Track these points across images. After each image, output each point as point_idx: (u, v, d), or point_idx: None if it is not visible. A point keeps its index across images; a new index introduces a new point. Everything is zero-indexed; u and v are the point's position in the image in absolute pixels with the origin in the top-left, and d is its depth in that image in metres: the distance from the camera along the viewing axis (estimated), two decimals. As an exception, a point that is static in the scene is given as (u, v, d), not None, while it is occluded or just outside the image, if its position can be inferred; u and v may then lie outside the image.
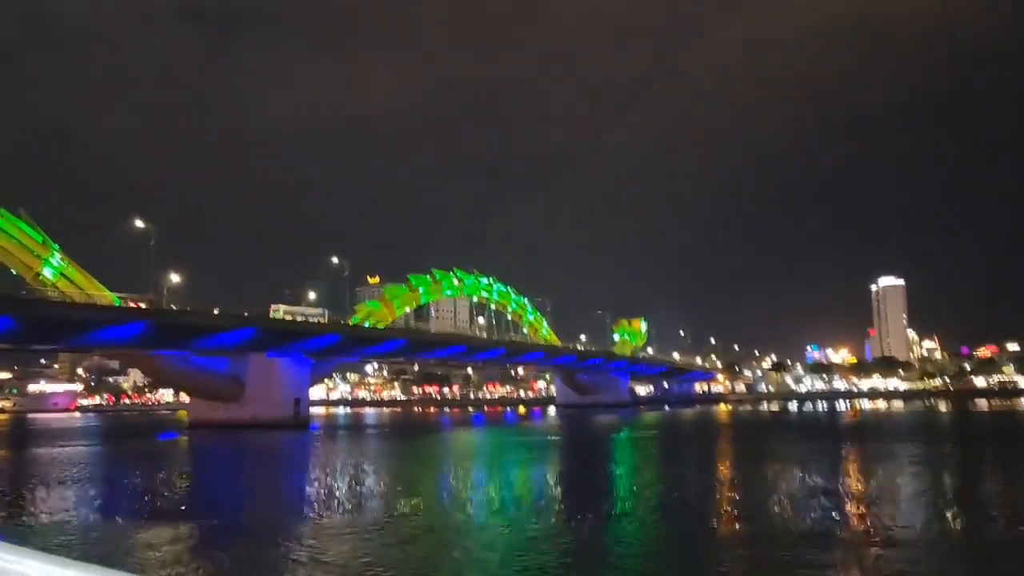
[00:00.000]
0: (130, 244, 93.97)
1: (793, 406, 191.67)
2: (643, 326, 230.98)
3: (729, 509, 29.96)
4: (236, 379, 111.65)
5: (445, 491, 37.83)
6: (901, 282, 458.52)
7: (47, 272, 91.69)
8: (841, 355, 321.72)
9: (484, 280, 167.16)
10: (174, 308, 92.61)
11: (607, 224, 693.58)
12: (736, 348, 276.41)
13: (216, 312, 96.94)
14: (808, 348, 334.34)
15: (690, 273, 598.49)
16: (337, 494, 36.96)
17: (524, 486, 39.90)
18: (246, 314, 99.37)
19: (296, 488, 40.94)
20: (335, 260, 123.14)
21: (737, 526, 26.29)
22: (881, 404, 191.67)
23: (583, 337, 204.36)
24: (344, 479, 43.44)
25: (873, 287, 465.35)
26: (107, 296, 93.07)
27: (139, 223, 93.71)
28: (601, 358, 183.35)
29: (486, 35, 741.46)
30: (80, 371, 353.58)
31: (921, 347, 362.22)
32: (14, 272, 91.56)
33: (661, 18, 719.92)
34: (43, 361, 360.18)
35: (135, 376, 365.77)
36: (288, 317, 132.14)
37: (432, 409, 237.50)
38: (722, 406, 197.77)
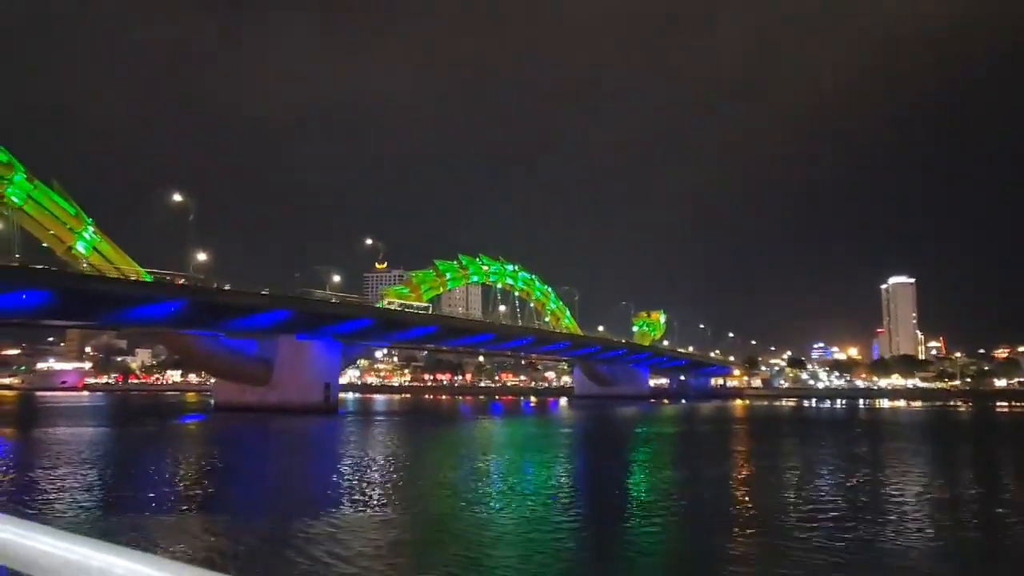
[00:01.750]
0: (168, 218, 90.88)
1: (812, 403, 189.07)
2: (662, 318, 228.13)
3: (786, 519, 26.94)
4: (265, 361, 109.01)
5: (490, 486, 35.10)
6: (911, 281, 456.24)
7: (80, 246, 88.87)
8: (849, 355, 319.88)
9: (509, 267, 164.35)
10: (215, 286, 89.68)
11: (616, 215, 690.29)
12: (753, 343, 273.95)
13: (256, 292, 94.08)
14: (815, 347, 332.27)
15: (700, 270, 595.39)
16: (376, 486, 34.56)
17: (565, 484, 37.08)
18: (289, 295, 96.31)
19: (336, 478, 37.86)
20: (368, 241, 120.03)
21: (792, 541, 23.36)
22: (901, 404, 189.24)
23: (601, 328, 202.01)
24: (383, 470, 40.95)
25: (883, 286, 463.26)
26: (139, 272, 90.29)
27: (177, 196, 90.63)
28: (624, 348, 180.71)
29: (492, 22, 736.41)
30: (88, 349, 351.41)
31: (927, 348, 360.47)
32: (44, 244, 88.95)
33: (671, 8, 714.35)
34: (51, 339, 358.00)
35: (143, 356, 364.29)
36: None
37: (444, 396, 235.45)
38: (738, 401, 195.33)
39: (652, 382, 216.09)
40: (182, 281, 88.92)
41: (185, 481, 36.69)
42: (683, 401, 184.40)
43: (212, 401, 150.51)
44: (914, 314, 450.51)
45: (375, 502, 29.49)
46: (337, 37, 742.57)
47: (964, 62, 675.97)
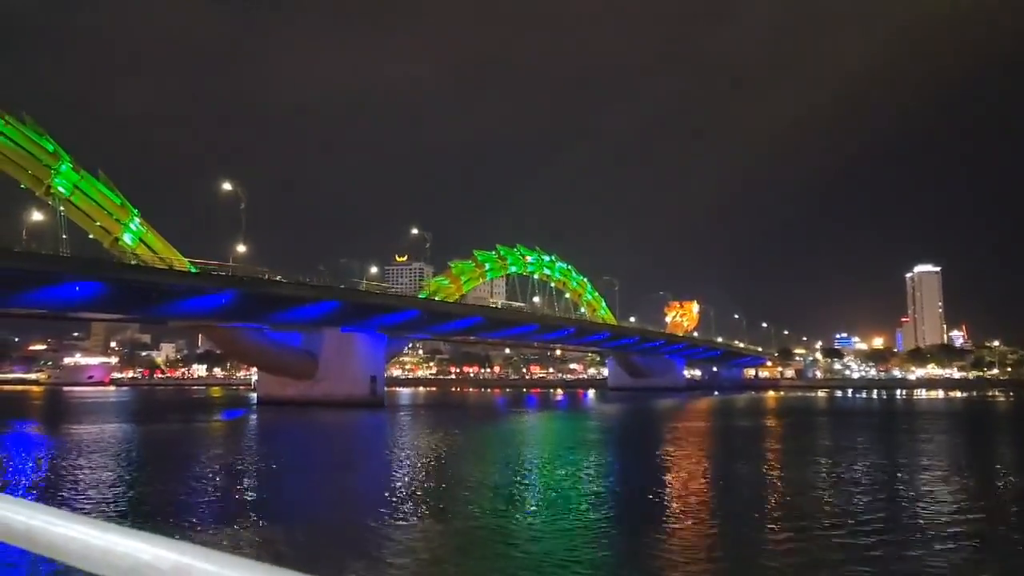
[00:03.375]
0: (218, 206, 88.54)
1: (850, 395, 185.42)
2: (695, 308, 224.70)
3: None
4: (310, 354, 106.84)
5: (571, 491, 31.89)
6: (937, 270, 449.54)
7: (127, 237, 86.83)
8: (873, 344, 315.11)
9: (547, 257, 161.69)
10: (266, 277, 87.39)
11: (644, 203, 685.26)
12: (786, 333, 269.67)
13: (306, 283, 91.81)
14: (837, 336, 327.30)
15: (726, 259, 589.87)
16: (441, 488, 31.91)
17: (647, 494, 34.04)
18: (338, 286, 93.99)
19: (407, 480, 34.95)
20: (415, 231, 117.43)
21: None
22: (939, 394, 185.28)
23: (632, 319, 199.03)
24: (444, 469, 38.43)
25: (908, 275, 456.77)
26: (183, 263, 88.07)
27: (227, 185, 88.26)
28: (663, 340, 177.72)
29: (510, 11, 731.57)
30: (113, 344, 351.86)
31: (950, 338, 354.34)
32: (91, 236, 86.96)
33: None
34: (76, 334, 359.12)
35: (167, 350, 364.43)
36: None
37: (471, 389, 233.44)
38: (771, 392, 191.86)
39: (687, 373, 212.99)
40: (229, 273, 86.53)
41: (248, 483, 34.26)
42: (715, 393, 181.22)
43: (251, 395, 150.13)
44: (940, 303, 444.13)
45: (454, 507, 26.84)
46: (361, 28, 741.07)
47: (994, 46, 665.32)
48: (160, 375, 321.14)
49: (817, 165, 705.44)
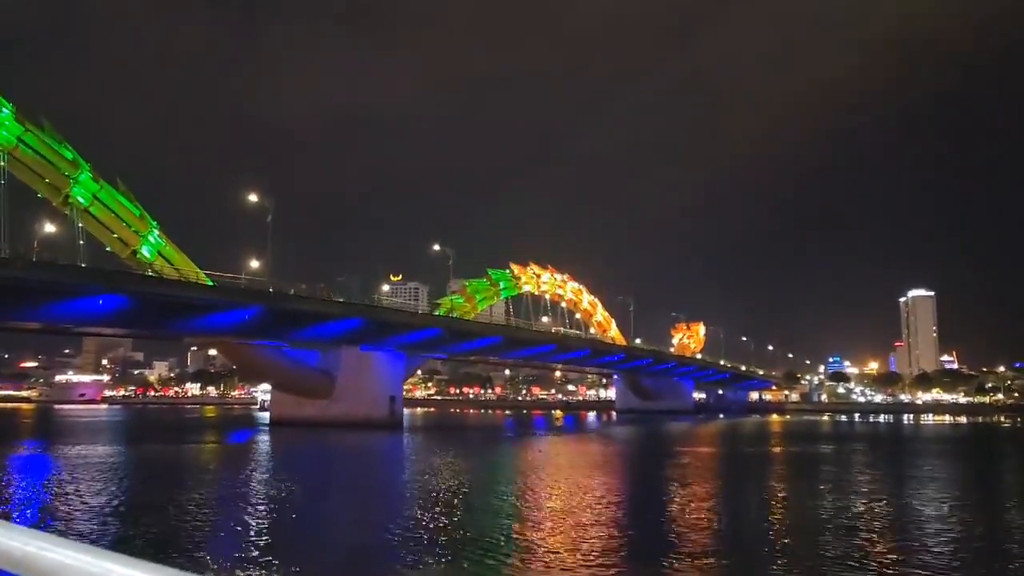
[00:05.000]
0: (244, 218, 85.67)
1: (857, 419, 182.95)
2: (702, 330, 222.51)
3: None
4: (327, 373, 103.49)
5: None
6: (931, 294, 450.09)
7: (145, 250, 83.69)
8: (870, 367, 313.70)
9: (558, 276, 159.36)
10: (292, 292, 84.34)
11: (628, 225, 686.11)
12: (790, 356, 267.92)
13: (331, 299, 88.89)
14: (829, 360, 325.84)
15: (716, 282, 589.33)
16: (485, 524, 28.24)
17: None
18: (361, 303, 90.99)
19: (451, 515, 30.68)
20: (436, 247, 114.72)
21: None
22: (946, 419, 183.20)
23: (638, 340, 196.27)
24: (483, 502, 34.52)
25: (902, 299, 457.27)
26: (201, 277, 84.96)
27: (253, 197, 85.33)
28: (674, 361, 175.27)
29: (501, 34, 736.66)
30: (105, 362, 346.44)
31: (942, 362, 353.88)
32: (108, 248, 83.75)
33: (683, 18, 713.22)
34: (67, 351, 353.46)
35: (160, 368, 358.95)
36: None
37: (471, 410, 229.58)
38: (775, 416, 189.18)
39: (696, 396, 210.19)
40: (244, 287, 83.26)
41: (270, 514, 30.31)
42: (721, 416, 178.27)
43: (261, 415, 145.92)
44: (934, 328, 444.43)
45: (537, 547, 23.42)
46: (349, 49, 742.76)
47: (988, 71, 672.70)
48: (153, 393, 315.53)
49: (810, 189, 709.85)
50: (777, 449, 76.54)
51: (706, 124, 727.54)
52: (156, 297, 69.13)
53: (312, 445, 73.74)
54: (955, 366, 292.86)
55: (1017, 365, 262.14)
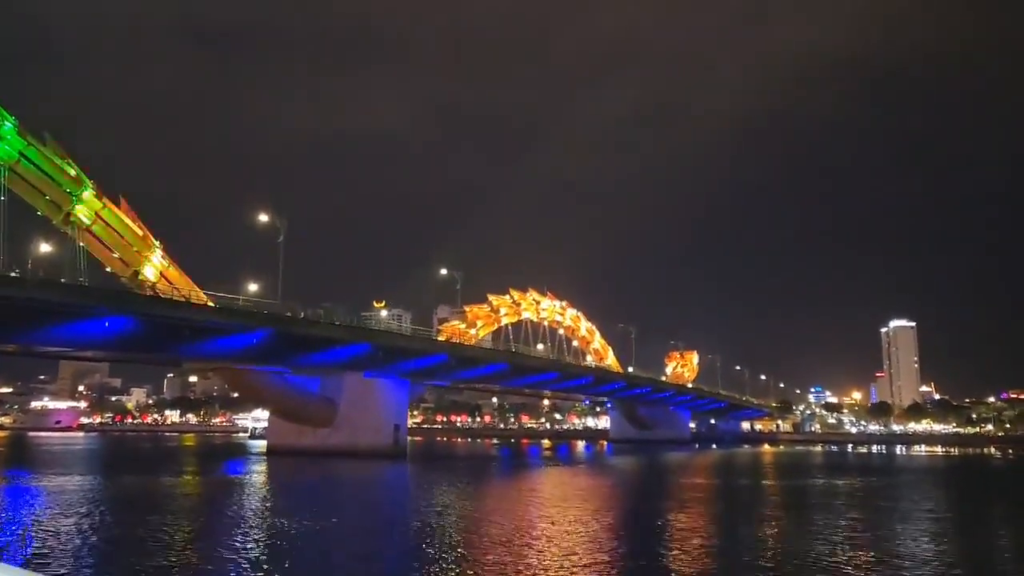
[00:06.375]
0: (256, 238, 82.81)
1: (852, 449, 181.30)
2: (695, 359, 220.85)
3: None
4: (329, 400, 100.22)
5: None
6: (912, 325, 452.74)
7: (147, 271, 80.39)
8: (852, 398, 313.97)
9: (558, 303, 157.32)
10: (303, 315, 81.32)
11: (618, 255, 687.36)
12: (782, 386, 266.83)
13: (341, 324, 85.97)
14: (811, 391, 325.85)
15: (709, 310, 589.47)
16: None
17: None
18: (370, 328, 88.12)
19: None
20: (443, 271, 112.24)
21: None
22: (939, 450, 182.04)
23: (630, 369, 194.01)
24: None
25: (883, 330, 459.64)
26: (203, 299, 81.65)
27: (264, 217, 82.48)
28: (672, 390, 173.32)
29: (480, 63, 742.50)
30: (81, 388, 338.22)
31: (922, 393, 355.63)
32: (108, 269, 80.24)
33: (660, 53, 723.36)
34: (42, 377, 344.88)
35: (138, 395, 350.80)
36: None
37: (459, 439, 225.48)
38: (766, 446, 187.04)
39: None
40: (253, 309, 79.89)
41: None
42: (714, 447, 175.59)
43: (253, 443, 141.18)
44: (915, 358, 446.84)
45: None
46: (323, 78, 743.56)
47: (967, 105, 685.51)
48: (132, 420, 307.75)
49: (792, 218, 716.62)
50: (784, 482, 73.43)
51: (681, 155, 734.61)
52: (164, 319, 66.01)
53: (316, 476, 70.10)
54: (936, 396, 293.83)
55: (1004, 396, 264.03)
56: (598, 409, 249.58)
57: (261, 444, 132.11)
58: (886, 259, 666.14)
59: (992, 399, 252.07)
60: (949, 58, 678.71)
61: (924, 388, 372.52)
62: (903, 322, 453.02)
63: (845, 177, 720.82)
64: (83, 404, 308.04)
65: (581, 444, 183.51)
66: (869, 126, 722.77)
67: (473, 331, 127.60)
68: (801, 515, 43.27)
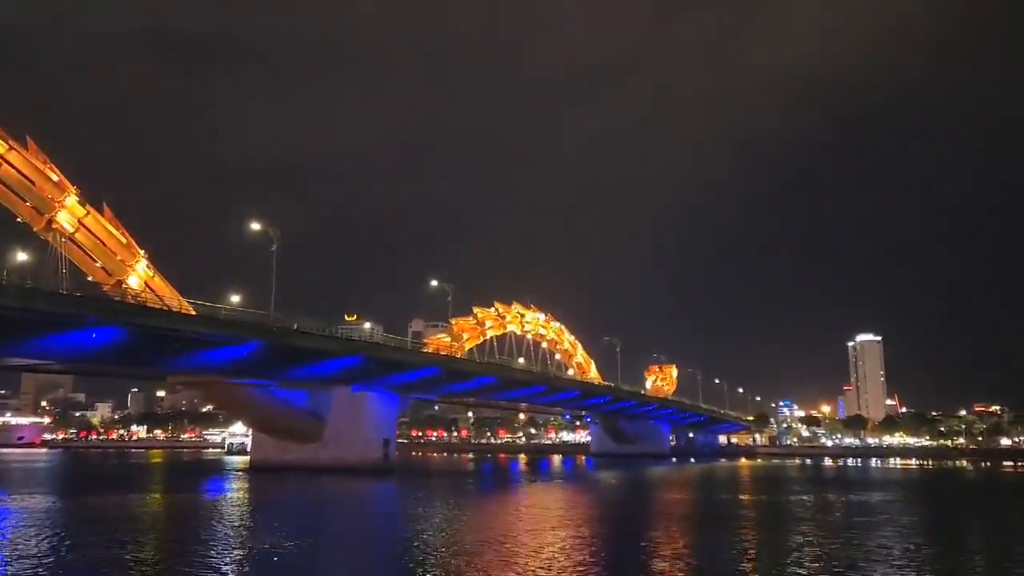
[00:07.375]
0: (248, 247, 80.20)
1: (829, 462, 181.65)
2: (674, 372, 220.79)
3: None
4: (316, 415, 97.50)
5: None
6: (879, 339, 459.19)
7: (132, 281, 77.45)
8: (821, 411, 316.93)
9: (541, 316, 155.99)
10: (295, 327, 78.79)
11: (591, 267, 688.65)
12: (758, 399, 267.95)
13: (335, 336, 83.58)
14: (781, 404, 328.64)
15: (683, 322, 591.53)
16: None
17: None
18: (364, 341, 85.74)
19: None
20: (434, 283, 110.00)
21: None
22: (913, 463, 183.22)
23: (609, 384, 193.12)
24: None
25: (850, 343, 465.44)
26: (189, 310, 78.82)
27: (256, 225, 79.90)
28: (655, 404, 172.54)
29: (457, 78, 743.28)
30: (44, 403, 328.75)
31: (887, 407, 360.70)
32: (90, 278, 77.13)
33: (634, 68, 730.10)
34: (3, 392, 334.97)
35: (103, 410, 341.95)
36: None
37: (434, 454, 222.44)
38: (745, 460, 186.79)
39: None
40: (245, 320, 77.05)
41: None
42: (692, 460, 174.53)
43: (231, 459, 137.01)
44: (882, 372, 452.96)
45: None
46: (300, 92, 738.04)
47: (937, 120, 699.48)
48: (97, 436, 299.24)
49: (762, 231, 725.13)
50: (764, 497, 71.52)
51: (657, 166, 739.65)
52: (154, 331, 63.17)
53: (302, 493, 67.07)
54: (902, 410, 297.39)
55: (974, 409, 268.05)
56: (577, 423, 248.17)
57: (240, 460, 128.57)
58: (853, 273, 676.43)
59: (964, 412, 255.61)
60: (912, 74, 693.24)
61: (889, 401, 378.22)
62: (869, 336, 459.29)
63: (815, 192, 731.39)
64: (46, 420, 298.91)
65: (558, 459, 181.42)
66: (833, 140, 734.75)
67: (457, 344, 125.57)
68: (779, 532, 41.88)
